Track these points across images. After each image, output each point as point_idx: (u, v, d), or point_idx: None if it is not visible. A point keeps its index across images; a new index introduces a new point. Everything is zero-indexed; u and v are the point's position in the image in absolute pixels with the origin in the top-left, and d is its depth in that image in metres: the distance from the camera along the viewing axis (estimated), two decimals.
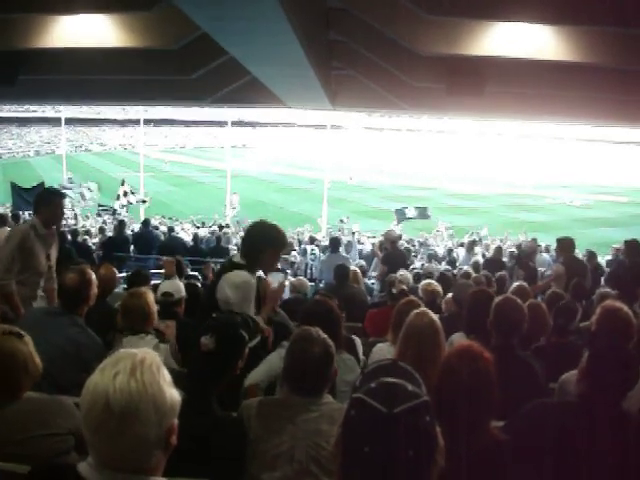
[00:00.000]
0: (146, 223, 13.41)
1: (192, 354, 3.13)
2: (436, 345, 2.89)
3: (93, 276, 3.55)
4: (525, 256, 9.20)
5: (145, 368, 1.37)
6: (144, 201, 23.71)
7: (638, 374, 2.36)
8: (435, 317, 3.06)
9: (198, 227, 21.34)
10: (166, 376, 1.41)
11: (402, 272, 6.99)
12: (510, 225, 30.00)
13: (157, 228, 14.41)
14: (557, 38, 7.38)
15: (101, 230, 16.08)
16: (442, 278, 6.99)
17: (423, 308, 3.23)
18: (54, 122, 61.90)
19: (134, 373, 1.35)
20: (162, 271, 7.94)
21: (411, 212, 23.05)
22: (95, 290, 3.56)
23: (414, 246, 18.69)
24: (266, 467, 2.28)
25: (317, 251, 13.10)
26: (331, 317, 3.10)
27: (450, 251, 16.51)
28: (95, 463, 1.38)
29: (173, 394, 1.41)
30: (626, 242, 7.72)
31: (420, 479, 1.23)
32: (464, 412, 2.01)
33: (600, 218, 34.43)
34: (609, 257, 13.20)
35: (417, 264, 13.57)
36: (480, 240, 19.39)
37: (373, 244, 17.06)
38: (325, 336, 2.39)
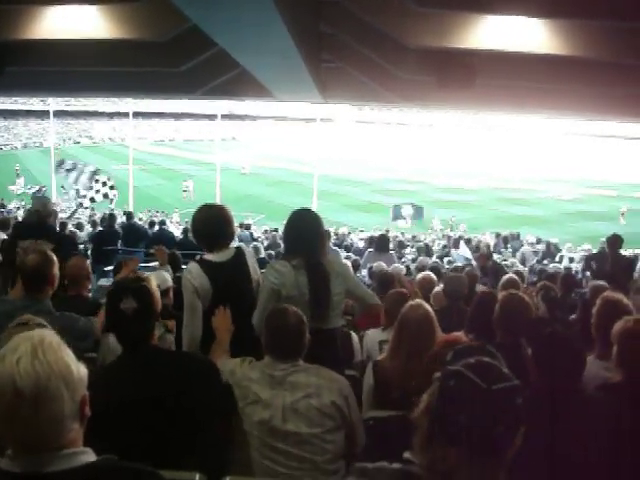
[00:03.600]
0: (130, 216, 13.34)
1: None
2: (430, 337, 2.93)
3: (54, 257, 3.41)
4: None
5: (46, 347, 1.37)
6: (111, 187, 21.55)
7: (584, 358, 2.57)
8: (429, 308, 3.08)
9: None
10: (68, 351, 1.42)
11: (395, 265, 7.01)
12: (500, 219, 30.13)
13: (153, 224, 14.22)
14: (549, 31, 7.37)
15: (93, 223, 15.92)
16: (433, 270, 7.00)
17: (418, 300, 3.23)
18: (42, 115, 61.32)
19: (36, 354, 1.34)
20: (151, 264, 7.86)
21: (407, 210, 23.24)
22: (57, 271, 3.40)
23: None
24: (244, 412, 2.47)
25: None
26: (318, 225, 3.32)
27: (444, 247, 16.61)
28: (14, 453, 1.37)
29: (79, 367, 1.42)
30: (607, 238, 7.99)
31: (502, 455, 1.33)
32: None
33: (590, 212, 34.58)
34: (595, 251, 13.34)
35: (408, 257, 13.60)
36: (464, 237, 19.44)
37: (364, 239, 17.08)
38: (297, 309, 2.66)
